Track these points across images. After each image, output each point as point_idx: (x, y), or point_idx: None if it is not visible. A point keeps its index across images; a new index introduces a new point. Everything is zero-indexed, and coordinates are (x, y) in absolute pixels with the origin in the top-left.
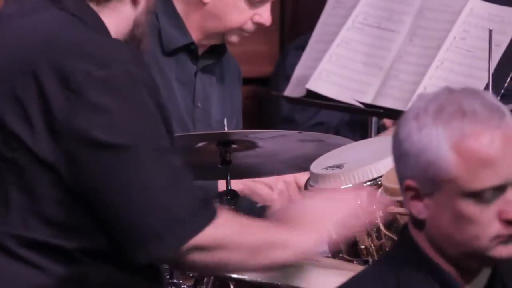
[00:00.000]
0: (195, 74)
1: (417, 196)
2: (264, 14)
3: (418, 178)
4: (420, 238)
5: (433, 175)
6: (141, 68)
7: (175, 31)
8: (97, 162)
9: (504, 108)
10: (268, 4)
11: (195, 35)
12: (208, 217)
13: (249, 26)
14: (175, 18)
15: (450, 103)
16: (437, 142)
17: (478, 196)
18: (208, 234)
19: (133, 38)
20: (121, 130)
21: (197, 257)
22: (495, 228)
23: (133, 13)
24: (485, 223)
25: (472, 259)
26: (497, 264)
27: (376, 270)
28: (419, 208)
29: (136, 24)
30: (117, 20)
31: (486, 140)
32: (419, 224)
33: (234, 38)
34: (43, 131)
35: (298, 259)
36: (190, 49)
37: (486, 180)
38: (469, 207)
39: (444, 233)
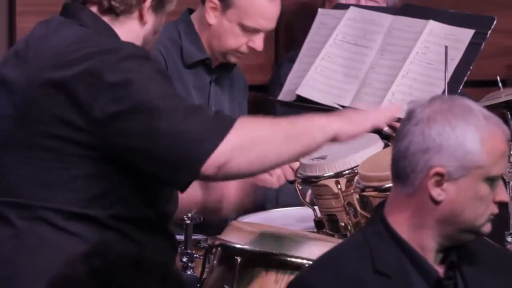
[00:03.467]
0: (210, 83)
1: (441, 181)
2: (257, 41)
3: (450, 165)
4: (394, 219)
5: (467, 163)
6: (144, 52)
7: (194, 48)
8: (124, 126)
9: None
10: (262, 33)
11: (209, 51)
12: (223, 129)
13: (244, 49)
14: (194, 37)
15: (466, 106)
16: (472, 138)
17: (493, 180)
18: (229, 140)
19: None
20: (134, 95)
21: (234, 162)
22: (491, 208)
23: (141, 31)
24: (488, 203)
25: (464, 233)
26: (480, 236)
27: (353, 242)
28: (438, 192)
29: (145, 42)
30: (127, 33)
31: (502, 137)
32: (423, 206)
33: (233, 59)
34: (77, 120)
35: (326, 138)
36: (205, 63)
37: (500, 168)
38: (485, 189)
39: (456, 211)
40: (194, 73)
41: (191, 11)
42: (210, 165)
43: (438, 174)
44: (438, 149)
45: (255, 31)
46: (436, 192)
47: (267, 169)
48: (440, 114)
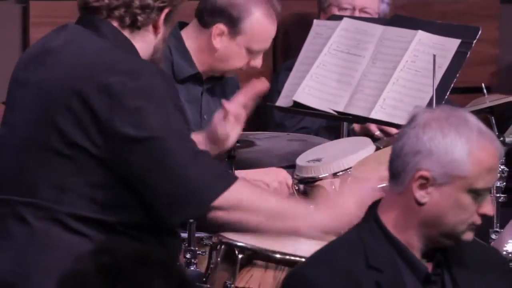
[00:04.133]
0: (201, 94)
1: (426, 184)
2: (258, 60)
3: (435, 171)
4: (386, 218)
5: (452, 171)
6: (163, 79)
7: (184, 63)
8: (137, 153)
9: None
10: (262, 53)
11: (202, 68)
12: (225, 184)
13: (245, 67)
14: (184, 52)
15: (464, 119)
16: (460, 148)
17: (477, 192)
18: (226, 196)
19: (153, 61)
20: (152, 127)
21: (219, 216)
22: (475, 218)
23: (154, 40)
24: (471, 213)
25: (445, 238)
26: (459, 244)
27: (347, 238)
28: (422, 194)
29: (155, 50)
30: (144, 45)
31: (493, 153)
32: (408, 206)
33: (231, 74)
34: (93, 132)
35: (310, 233)
36: (196, 77)
37: (485, 182)
38: (467, 200)
39: (439, 215)
40: (185, 87)
41: (181, 24)
42: (201, 215)
43: (423, 177)
44: (427, 153)
45: (260, 52)
46: (419, 194)
47: (243, 232)
48: (436, 121)
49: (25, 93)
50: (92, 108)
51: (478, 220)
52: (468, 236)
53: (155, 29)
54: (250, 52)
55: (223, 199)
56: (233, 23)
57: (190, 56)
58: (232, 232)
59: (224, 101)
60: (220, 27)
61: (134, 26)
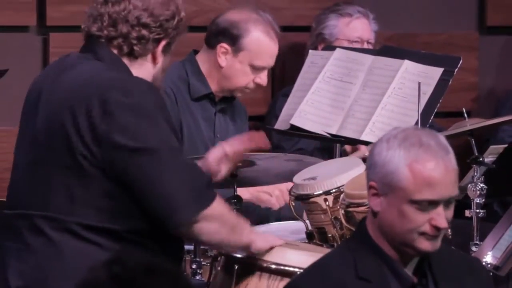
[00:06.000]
0: (215, 114)
1: (376, 194)
2: (263, 77)
3: (379, 181)
4: (372, 230)
5: (390, 182)
6: (155, 94)
7: (199, 84)
8: (129, 163)
9: (450, 148)
10: (266, 69)
11: (214, 88)
12: (212, 195)
13: (251, 85)
14: (199, 74)
15: (413, 136)
16: (398, 160)
17: (418, 204)
18: (215, 207)
19: None
20: (143, 139)
21: (205, 225)
22: (425, 228)
23: (152, 70)
24: (419, 224)
25: (406, 247)
26: (421, 253)
27: (338, 252)
28: (376, 203)
29: (154, 78)
30: (141, 72)
31: (431, 166)
32: (374, 214)
33: (239, 94)
34: (92, 143)
35: (244, 243)
36: (210, 97)
37: (425, 194)
38: (410, 210)
39: (389, 224)
40: (200, 105)
41: (196, 52)
42: (190, 221)
43: (372, 187)
44: (373, 165)
45: (263, 68)
46: (373, 203)
47: (212, 245)
48: (391, 138)
49: (33, 117)
50: (91, 121)
51: (429, 231)
52: (424, 245)
53: (154, 58)
54: (254, 68)
55: (209, 210)
56: (235, 41)
57: (204, 78)
58: (202, 244)
59: (223, 143)
60: (224, 45)
61: (132, 55)
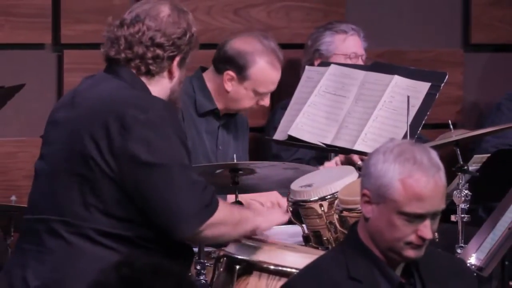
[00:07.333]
0: (218, 127)
1: (369, 201)
2: (266, 100)
3: (372, 191)
4: (363, 234)
5: (383, 193)
6: (170, 112)
7: (205, 100)
8: (142, 175)
9: (441, 165)
10: (269, 93)
11: (220, 106)
12: (215, 205)
13: (255, 106)
14: (205, 91)
15: (408, 151)
16: (392, 175)
17: (406, 215)
18: (217, 215)
19: (171, 100)
20: (156, 154)
21: (209, 232)
22: (411, 238)
23: (169, 84)
24: (406, 234)
25: (392, 253)
26: (405, 259)
27: (332, 254)
28: (368, 210)
29: (172, 91)
30: (159, 88)
31: (423, 184)
32: (366, 219)
33: (244, 112)
34: (108, 155)
35: (248, 230)
36: (214, 112)
37: (414, 208)
38: (399, 221)
39: (378, 231)
40: (205, 120)
41: (203, 68)
42: (197, 230)
43: (365, 195)
44: (368, 175)
45: (266, 93)
46: (365, 210)
47: (218, 243)
48: (387, 152)
49: (57, 130)
50: (109, 135)
51: (415, 241)
52: (408, 253)
53: (170, 74)
54: (257, 94)
55: (213, 218)
56: (241, 70)
57: (210, 94)
58: (211, 245)
59: None
60: (230, 73)
61: (149, 73)
